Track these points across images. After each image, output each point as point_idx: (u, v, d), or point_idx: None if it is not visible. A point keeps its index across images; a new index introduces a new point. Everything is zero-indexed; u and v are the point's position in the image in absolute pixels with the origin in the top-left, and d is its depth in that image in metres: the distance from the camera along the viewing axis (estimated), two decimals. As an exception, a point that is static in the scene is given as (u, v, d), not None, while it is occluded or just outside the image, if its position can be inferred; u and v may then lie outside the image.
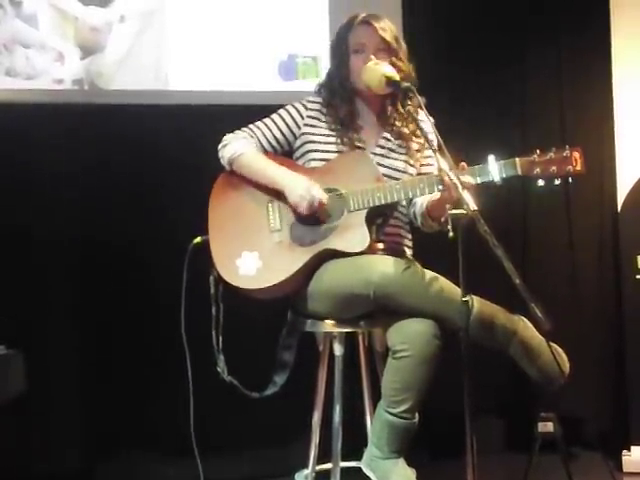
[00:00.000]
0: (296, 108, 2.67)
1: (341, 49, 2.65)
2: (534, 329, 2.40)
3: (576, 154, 2.40)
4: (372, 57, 2.57)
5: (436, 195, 2.47)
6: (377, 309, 2.43)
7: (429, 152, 2.65)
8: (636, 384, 3.42)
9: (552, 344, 2.33)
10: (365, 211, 2.49)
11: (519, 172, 2.40)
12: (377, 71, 2.52)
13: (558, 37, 3.80)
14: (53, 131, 3.26)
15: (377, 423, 2.43)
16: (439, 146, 2.31)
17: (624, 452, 3.42)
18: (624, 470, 3.39)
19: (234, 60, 3.49)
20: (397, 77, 2.50)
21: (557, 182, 2.42)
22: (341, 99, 2.63)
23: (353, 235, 2.48)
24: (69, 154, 3.27)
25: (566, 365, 2.39)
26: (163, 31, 3.45)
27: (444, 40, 3.68)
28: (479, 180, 2.38)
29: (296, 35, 3.54)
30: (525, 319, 2.41)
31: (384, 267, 2.40)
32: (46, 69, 3.33)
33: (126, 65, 3.40)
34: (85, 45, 3.38)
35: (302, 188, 2.49)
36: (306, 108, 2.67)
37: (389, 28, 2.62)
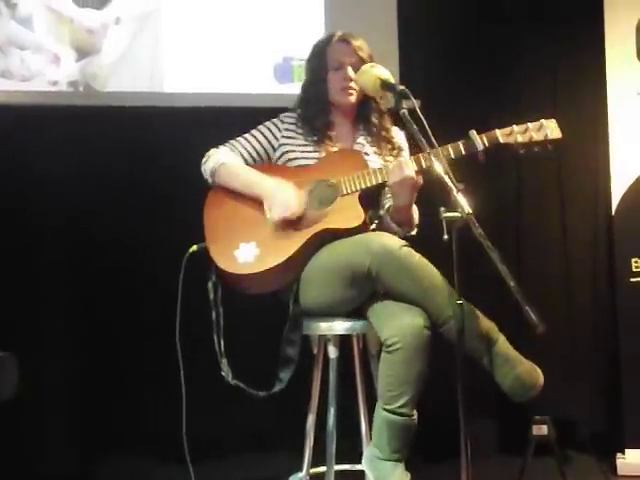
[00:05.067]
0: (273, 123, 2.77)
1: (319, 64, 2.74)
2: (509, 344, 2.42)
3: (551, 123, 2.55)
4: (350, 72, 2.67)
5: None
6: (371, 290, 2.45)
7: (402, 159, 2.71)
8: (630, 387, 3.42)
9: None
10: (357, 193, 2.56)
11: (500, 140, 2.53)
12: (372, 74, 2.55)
13: (553, 37, 3.80)
14: (48, 133, 3.26)
15: (376, 422, 2.42)
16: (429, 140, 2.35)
17: (618, 455, 3.42)
18: (618, 473, 3.38)
19: (230, 62, 3.50)
20: (392, 80, 2.54)
21: (536, 150, 2.55)
22: (317, 111, 2.73)
23: (348, 213, 2.55)
24: (64, 156, 3.26)
25: (541, 378, 2.39)
26: (159, 33, 3.45)
27: (439, 43, 3.69)
28: (464, 152, 2.51)
29: (292, 38, 3.54)
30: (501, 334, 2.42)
31: (384, 239, 2.47)
32: (41, 71, 3.33)
33: (121, 67, 3.40)
34: (80, 47, 3.38)
35: (281, 198, 2.56)
36: (282, 122, 2.76)
37: (365, 47, 2.74)
